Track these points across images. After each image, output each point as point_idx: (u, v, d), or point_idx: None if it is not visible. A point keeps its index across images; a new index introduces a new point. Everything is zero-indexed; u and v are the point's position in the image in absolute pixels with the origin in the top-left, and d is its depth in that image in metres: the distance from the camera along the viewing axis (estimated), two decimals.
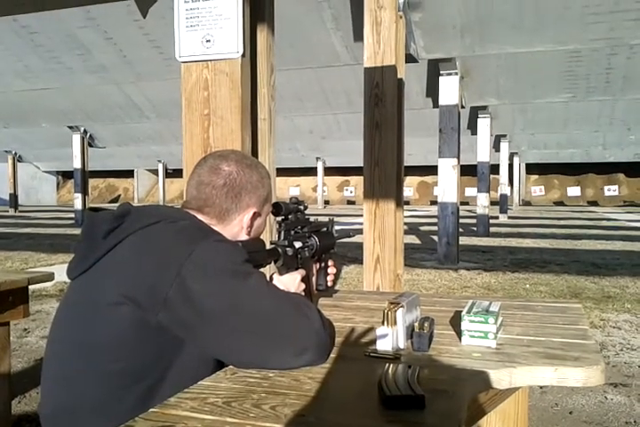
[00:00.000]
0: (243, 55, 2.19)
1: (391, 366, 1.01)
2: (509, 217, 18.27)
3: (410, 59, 6.70)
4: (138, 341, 1.09)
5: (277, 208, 1.42)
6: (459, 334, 1.28)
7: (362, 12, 3.60)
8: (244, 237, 1.35)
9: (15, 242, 11.17)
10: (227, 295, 1.08)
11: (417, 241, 11.08)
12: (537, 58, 8.12)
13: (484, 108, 11.95)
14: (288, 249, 1.41)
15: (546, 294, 5.63)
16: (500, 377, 1.07)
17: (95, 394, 1.10)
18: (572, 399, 2.93)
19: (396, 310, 1.21)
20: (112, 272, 1.13)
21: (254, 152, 2.40)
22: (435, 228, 8.85)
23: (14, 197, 24.05)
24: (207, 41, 2.24)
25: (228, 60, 2.20)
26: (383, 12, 3.55)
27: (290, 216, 1.44)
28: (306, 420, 0.85)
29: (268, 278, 1.36)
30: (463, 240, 9.45)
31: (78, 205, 15.60)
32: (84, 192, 15.56)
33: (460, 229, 8.90)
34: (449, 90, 8.30)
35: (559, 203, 29.66)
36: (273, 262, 1.41)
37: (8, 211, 23.80)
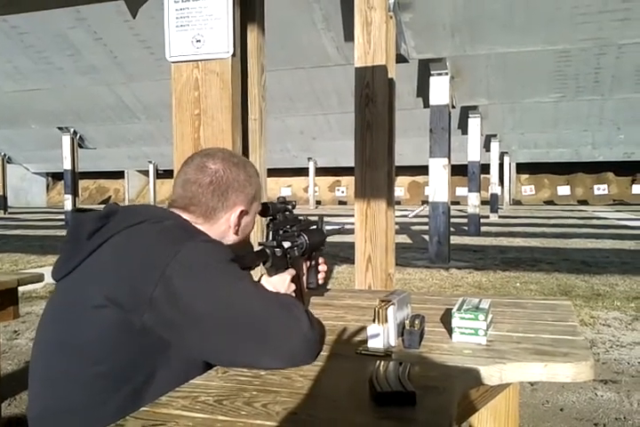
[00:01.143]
0: (233, 55, 2.18)
1: (382, 363, 1.02)
2: (500, 216, 18.34)
3: (400, 59, 6.71)
4: (121, 343, 1.09)
5: (265, 209, 1.41)
6: (449, 331, 1.28)
7: (352, 12, 3.60)
8: (231, 236, 1.34)
9: (5, 244, 11.10)
10: (213, 296, 1.07)
11: (408, 240, 11.11)
12: (526, 58, 8.16)
13: (475, 107, 12.01)
14: (277, 250, 1.40)
15: (536, 292, 5.66)
16: (491, 373, 1.08)
17: (80, 396, 1.10)
18: (563, 396, 2.95)
19: (386, 308, 1.21)
20: (96, 273, 1.12)
21: (245, 152, 2.40)
22: (426, 227, 8.87)
23: (3, 198, 23.89)
24: (197, 41, 2.23)
25: (219, 60, 2.19)
26: (373, 13, 3.55)
27: (278, 216, 1.44)
28: (297, 417, 0.86)
29: (257, 280, 1.36)
30: (454, 239, 9.48)
31: (68, 206, 15.51)
32: (75, 193, 15.48)
33: (452, 229, 8.92)
34: (439, 90, 8.33)
35: (549, 202, 29.81)
36: (262, 264, 1.40)
37: None
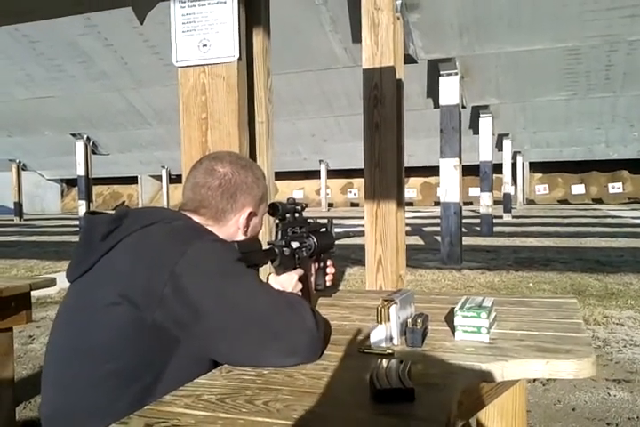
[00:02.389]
0: (239, 59, 2.21)
1: (383, 361, 1.03)
2: (513, 216, 18.23)
3: (409, 59, 6.72)
4: (134, 340, 1.11)
5: (274, 208, 1.43)
6: (452, 329, 1.29)
7: (359, 13, 3.61)
8: (240, 237, 1.36)
9: (20, 250, 11.22)
10: (219, 294, 1.10)
11: (420, 242, 11.08)
12: (536, 56, 8.13)
13: (486, 107, 11.96)
14: (285, 249, 1.41)
15: (549, 291, 5.63)
16: (492, 370, 1.08)
17: (91, 397, 1.12)
18: (575, 396, 2.93)
19: (389, 307, 1.22)
20: (109, 274, 1.15)
21: (252, 155, 2.42)
22: (438, 228, 8.85)
23: (19, 205, 24.16)
24: (204, 45, 2.26)
25: (225, 64, 2.22)
26: (381, 14, 3.56)
27: (287, 216, 1.45)
28: (297, 414, 0.87)
29: (265, 278, 1.38)
30: (467, 240, 9.44)
31: (83, 212, 15.64)
32: (89, 199, 15.60)
33: (464, 229, 8.89)
34: (449, 90, 8.31)
35: (563, 201, 29.58)
36: (270, 262, 1.42)
37: (13, 219, 23.91)
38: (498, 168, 15.49)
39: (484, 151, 12.40)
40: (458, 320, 1.26)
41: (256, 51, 2.48)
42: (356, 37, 6.34)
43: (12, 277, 6.98)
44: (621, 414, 2.69)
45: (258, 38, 2.48)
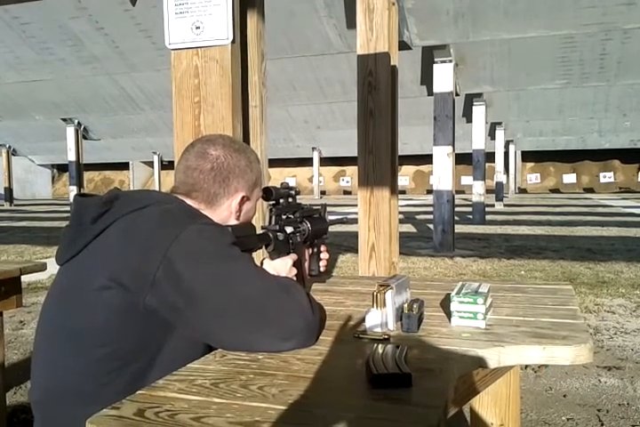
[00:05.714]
0: (233, 42, 2.17)
1: (380, 346, 1.02)
2: (505, 205, 18.28)
3: (403, 46, 6.69)
4: (125, 325, 1.09)
5: (268, 193, 1.41)
6: (448, 315, 1.28)
7: None
8: (233, 221, 1.34)
9: (10, 235, 11.15)
10: (213, 278, 1.08)
11: (413, 230, 11.09)
12: (531, 44, 8.09)
13: (479, 95, 11.94)
14: (279, 234, 1.40)
15: (541, 279, 5.65)
16: (489, 356, 1.07)
17: (82, 380, 1.10)
18: (567, 383, 2.95)
19: (385, 292, 1.21)
20: (100, 257, 1.13)
21: (246, 139, 2.39)
22: (430, 216, 8.86)
23: (9, 190, 24.01)
24: (197, 28, 2.22)
25: (218, 46, 2.18)
26: None
27: (281, 201, 1.44)
28: (293, 399, 0.86)
29: (259, 263, 1.36)
30: (459, 228, 9.46)
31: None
32: (80, 185, 15.51)
33: (457, 218, 8.90)
34: (443, 77, 8.27)
35: (555, 190, 29.69)
36: (264, 247, 1.40)
37: (3, 205, 23.77)
38: (490, 157, 15.49)
39: (477, 139, 12.38)
40: (454, 306, 1.25)
41: (250, 34, 2.44)
42: (351, 23, 6.29)
43: (2, 261, 6.93)
44: (612, 400, 2.71)
45: (252, 21, 2.44)
